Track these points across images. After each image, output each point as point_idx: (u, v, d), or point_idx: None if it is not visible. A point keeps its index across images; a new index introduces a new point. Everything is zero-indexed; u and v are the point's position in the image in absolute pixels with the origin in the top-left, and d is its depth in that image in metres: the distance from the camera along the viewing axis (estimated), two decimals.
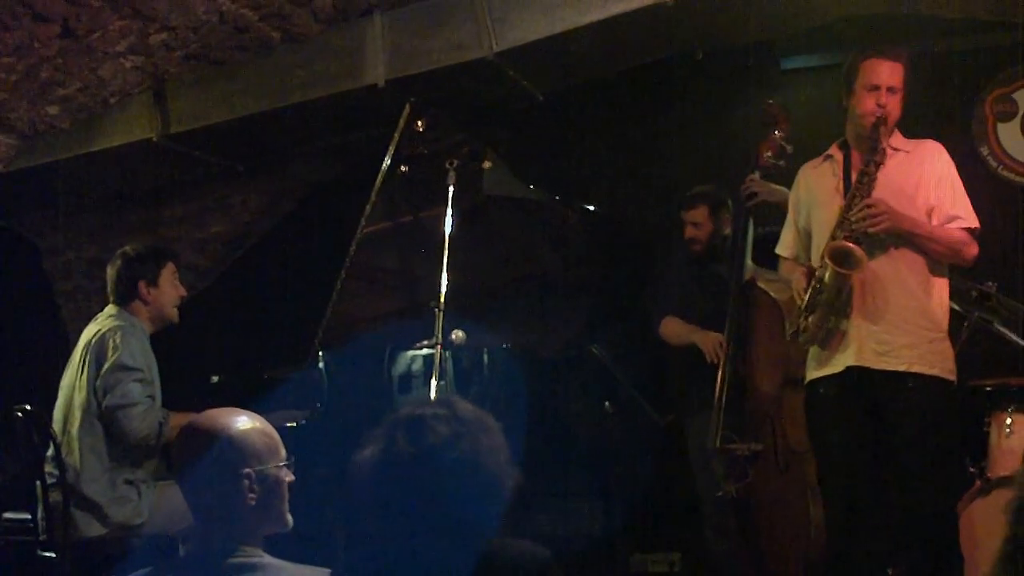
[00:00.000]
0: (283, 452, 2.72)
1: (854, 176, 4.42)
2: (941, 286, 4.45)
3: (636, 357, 6.03)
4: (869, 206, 4.29)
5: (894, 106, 4.40)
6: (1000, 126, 6.23)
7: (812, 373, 4.52)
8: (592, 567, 5.67)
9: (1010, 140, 6.21)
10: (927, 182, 4.43)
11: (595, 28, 5.47)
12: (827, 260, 4.28)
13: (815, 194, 4.61)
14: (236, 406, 2.78)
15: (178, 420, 4.75)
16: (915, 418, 4.29)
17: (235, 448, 2.63)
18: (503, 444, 2.20)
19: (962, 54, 6.05)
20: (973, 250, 4.41)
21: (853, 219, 4.31)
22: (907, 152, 4.48)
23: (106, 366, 4.73)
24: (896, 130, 4.50)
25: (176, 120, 6.18)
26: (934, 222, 4.40)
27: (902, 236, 4.34)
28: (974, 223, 4.40)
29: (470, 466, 2.13)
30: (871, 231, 4.28)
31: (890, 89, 4.39)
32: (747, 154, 5.22)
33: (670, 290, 5.78)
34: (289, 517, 2.73)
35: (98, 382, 4.74)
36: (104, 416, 4.73)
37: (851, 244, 4.28)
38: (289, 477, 2.72)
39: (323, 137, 6.78)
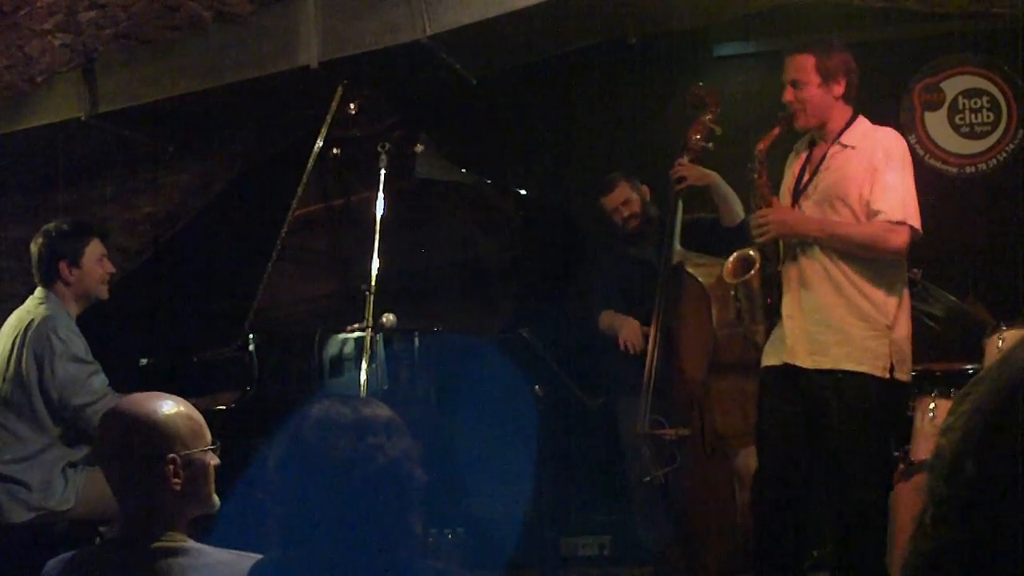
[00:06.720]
0: (208, 436, 2.70)
1: (808, 172, 4.42)
2: (887, 282, 4.33)
3: (567, 341, 6.06)
4: (758, 217, 4.37)
5: (800, 100, 4.33)
6: (928, 115, 6.32)
7: (762, 362, 4.56)
8: (522, 551, 5.70)
9: (937, 129, 6.30)
10: (859, 178, 4.30)
11: (529, 12, 5.47)
12: (725, 276, 4.39)
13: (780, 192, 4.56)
14: (165, 389, 2.76)
15: None
16: (843, 413, 4.28)
17: (159, 432, 2.60)
18: (408, 448, 2.14)
19: (891, 43, 6.12)
20: (895, 241, 4.23)
21: (753, 231, 4.41)
22: (853, 148, 4.35)
23: (57, 360, 4.61)
24: (856, 123, 4.39)
25: (106, 99, 6.08)
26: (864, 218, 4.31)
27: (811, 241, 4.32)
28: (897, 215, 4.22)
29: (374, 472, 2.08)
30: (759, 242, 4.38)
31: (792, 83, 4.35)
32: (678, 140, 5.26)
33: (606, 281, 5.80)
34: (216, 499, 2.72)
35: (53, 378, 4.61)
36: (65, 411, 4.63)
37: (747, 251, 4.41)
38: (215, 461, 2.70)
39: (255, 118, 6.73)
